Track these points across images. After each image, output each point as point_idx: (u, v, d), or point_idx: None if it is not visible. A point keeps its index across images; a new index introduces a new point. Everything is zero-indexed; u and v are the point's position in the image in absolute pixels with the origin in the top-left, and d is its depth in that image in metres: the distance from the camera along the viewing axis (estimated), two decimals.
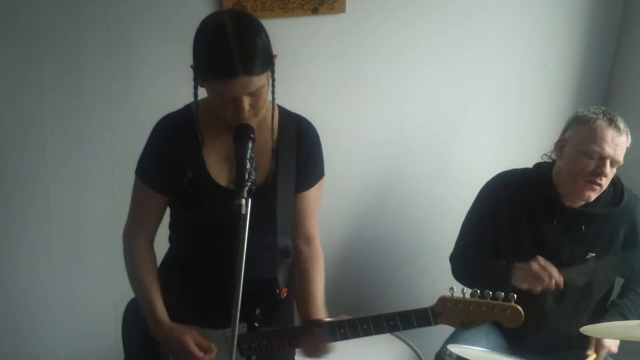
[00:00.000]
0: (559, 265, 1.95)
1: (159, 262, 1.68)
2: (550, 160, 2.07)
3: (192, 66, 1.44)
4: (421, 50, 2.49)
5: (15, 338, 2.42)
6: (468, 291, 1.46)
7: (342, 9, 2.33)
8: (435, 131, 2.61)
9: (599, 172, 1.88)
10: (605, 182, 1.91)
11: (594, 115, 1.90)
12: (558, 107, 2.71)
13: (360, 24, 2.38)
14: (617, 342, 2.00)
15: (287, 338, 1.55)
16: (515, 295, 1.43)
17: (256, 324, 1.56)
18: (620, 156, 1.89)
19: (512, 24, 2.56)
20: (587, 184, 1.91)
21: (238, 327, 1.50)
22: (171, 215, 1.66)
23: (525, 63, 2.62)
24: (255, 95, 1.41)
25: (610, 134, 1.87)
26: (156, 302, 1.57)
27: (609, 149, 1.87)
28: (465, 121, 2.63)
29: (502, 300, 1.43)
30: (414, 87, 2.53)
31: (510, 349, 2.10)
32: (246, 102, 1.40)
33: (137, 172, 1.60)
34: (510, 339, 2.12)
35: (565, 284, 1.90)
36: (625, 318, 1.99)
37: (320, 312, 1.58)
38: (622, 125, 1.89)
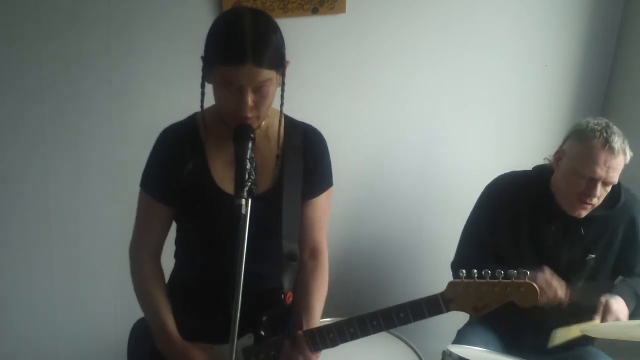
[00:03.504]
0: (558, 268, 1.95)
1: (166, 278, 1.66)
2: (550, 163, 2.07)
3: (202, 57, 1.43)
4: (421, 50, 2.49)
5: (15, 338, 2.42)
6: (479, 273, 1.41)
7: (342, 9, 2.33)
8: (435, 131, 2.61)
9: (589, 194, 1.88)
10: (597, 201, 1.91)
11: (590, 134, 1.87)
12: (558, 107, 2.71)
13: (360, 24, 2.38)
14: (626, 312, 1.94)
15: None
16: (528, 272, 1.39)
17: (263, 333, 1.53)
18: (613, 177, 1.87)
19: (512, 24, 2.56)
20: (578, 202, 1.92)
21: (245, 339, 1.50)
22: (177, 230, 1.64)
23: (525, 63, 2.62)
24: (261, 92, 1.39)
25: (603, 156, 1.84)
26: (165, 317, 1.55)
27: (600, 172, 1.85)
28: (465, 121, 2.63)
29: (515, 279, 1.38)
30: (414, 87, 2.53)
31: (511, 349, 2.10)
32: (250, 96, 1.38)
33: (141, 185, 1.59)
34: (511, 339, 2.12)
35: (569, 302, 1.87)
36: (636, 294, 1.97)
37: (314, 325, 1.55)
38: (617, 145, 1.85)
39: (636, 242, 2.05)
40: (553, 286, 1.85)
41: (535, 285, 1.39)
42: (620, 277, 2.13)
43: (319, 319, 1.58)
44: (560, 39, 2.62)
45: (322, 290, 1.62)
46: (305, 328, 1.53)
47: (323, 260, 1.65)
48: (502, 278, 1.39)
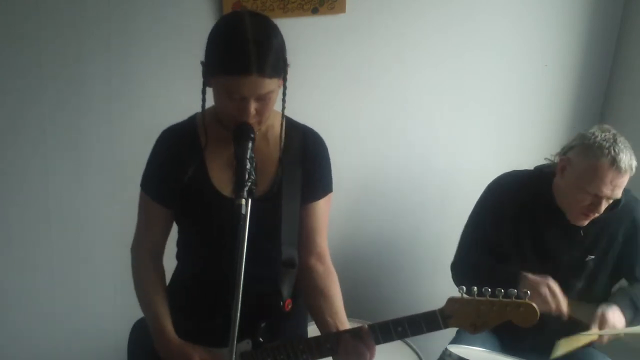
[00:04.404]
0: (558, 269, 1.95)
1: (167, 280, 1.66)
2: (551, 163, 2.06)
3: (202, 62, 1.42)
4: (421, 50, 2.49)
5: (15, 338, 2.42)
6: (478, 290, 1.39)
7: (342, 9, 2.33)
8: (435, 131, 2.61)
9: (593, 209, 1.89)
10: (599, 214, 1.91)
11: (598, 152, 1.83)
12: (558, 107, 2.71)
13: (360, 24, 2.38)
14: (623, 322, 1.94)
15: (292, 352, 1.50)
16: (528, 292, 1.38)
17: (261, 339, 1.52)
18: (618, 194, 1.87)
19: (512, 24, 2.56)
20: (580, 214, 1.93)
21: (243, 344, 1.49)
22: (178, 231, 1.64)
23: (525, 63, 2.62)
24: (263, 101, 1.38)
25: (610, 175, 1.83)
26: (163, 317, 1.55)
27: (606, 191, 1.84)
28: (465, 121, 2.63)
29: (515, 298, 1.37)
30: (414, 87, 2.53)
31: (511, 349, 2.10)
32: (253, 106, 1.37)
33: (141, 185, 1.59)
34: (511, 339, 2.12)
35: (568, 317, 1.86)
36: (634, 304, 1.97)
37: (346, 326, 1.54)
38: (624, 164, 1.82)
39: (637, 244, 2.04)
40: (556, 299, 1.84)
41: (535, 306, 1.37)
42: (618, 285, 2.13)
43: (346, 318, 1.58)
44: (560, 39, 2.62)
45: (339, 292, 1.61)
46: (339, 329, 1.51)
47: (330, 264, 1.65)
48: (502, 297, 1.37)
